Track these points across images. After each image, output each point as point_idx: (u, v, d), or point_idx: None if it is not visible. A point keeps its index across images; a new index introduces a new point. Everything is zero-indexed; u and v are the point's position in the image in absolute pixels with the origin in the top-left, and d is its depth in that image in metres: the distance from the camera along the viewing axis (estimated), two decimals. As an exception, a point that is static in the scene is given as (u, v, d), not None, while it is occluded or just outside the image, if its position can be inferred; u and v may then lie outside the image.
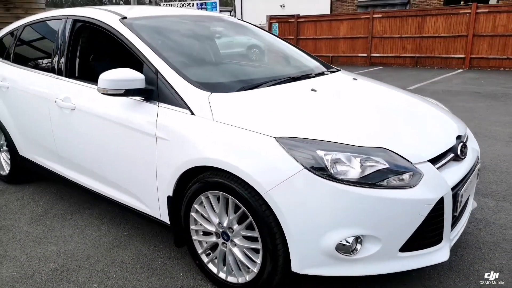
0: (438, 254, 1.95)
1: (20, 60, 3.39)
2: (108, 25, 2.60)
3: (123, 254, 2.56)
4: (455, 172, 2.01)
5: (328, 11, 24.49)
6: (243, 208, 1.93)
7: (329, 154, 1.77)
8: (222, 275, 2.16)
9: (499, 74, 11.24)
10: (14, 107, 3.30)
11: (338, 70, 3.05)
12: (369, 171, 1.78)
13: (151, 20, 2.79)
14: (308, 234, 1.79)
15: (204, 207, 2.12)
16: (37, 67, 3.17)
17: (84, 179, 2.87)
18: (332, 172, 1.75)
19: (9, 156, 3.61)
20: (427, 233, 1.89)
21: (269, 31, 15.94)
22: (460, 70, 12.29)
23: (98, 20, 2.68)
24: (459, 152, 2.08)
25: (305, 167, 1.76)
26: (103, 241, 2.72)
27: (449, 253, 1.97)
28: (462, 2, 20.43)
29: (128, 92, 2.22)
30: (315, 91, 2.33)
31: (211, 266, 2.20)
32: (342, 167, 1.77)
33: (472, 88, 8.79)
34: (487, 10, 12.17)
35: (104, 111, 2.48)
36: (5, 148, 3.66)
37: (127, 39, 2.47)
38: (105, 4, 51.65)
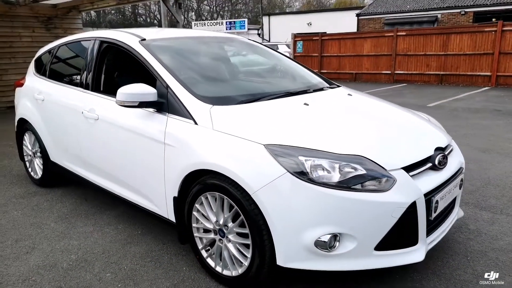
0: (413, 254, 2.12)
1: (54, 76, 3.82)
2: (128, 45, 2.95)
3: (135, 249, 2.85)
4: (431, 180, 2.19)
5: (354, 29, 24.68)
6: (236, 207, 2.17)
7: (309, 160, 2.00)
8: (218, 268, 2.39)
9: (526, 92, 11.06)
10: (47, 118, 3.71)
11: (339, 86, 3.28)
12: (346, 176, 1.99)
13: (167, 41, 3.13)
14: (290, 230, 2.01)
15: (204, 206, 2.38)
16: (68, 82, 3.57)
17: (104, 182, 3.20)
18: (312, 176, 1.97)
19: (42, 162, 4.01)
20: (402, 234, 2.07)
21: (293, 48, 16.30)
22: (486, 88, 12.15)
23: (121, 41, 3.04)
24: (436, 162, 2.26)
25: (288, 171, 1.99)
26: (119, 238, 3.02)
27: (424, 255, 2.14)
28: (493, 20, 20.21)
29: (142, 104, 2.54)
30: (308, 105, 2.57)
31: (209, 261, 2.45)
32: (322, 172, 1.99)
33: (493, 106, 8.73)
34: (513, 28, 12.05)
35: (122, 121, 2.81)
36: (38, 154, 4.06)
37: (144, 58, 2.80)
38: (141, 25, 53.82)
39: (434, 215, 2.18)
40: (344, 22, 26.25)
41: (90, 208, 3.60)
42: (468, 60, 12.96)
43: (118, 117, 2.85)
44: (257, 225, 2.08)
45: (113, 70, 3.36)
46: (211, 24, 33.24)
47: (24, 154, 4.32)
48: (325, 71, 16.11)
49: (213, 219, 2.34)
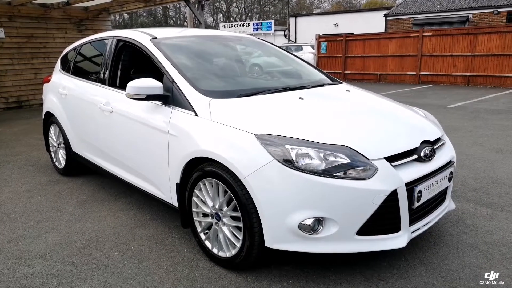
0: (395, 241, 2.22)
1: (76, 72, 4.12)
2: (141, 43, 3.18)
3: (143, 232, 3.07)
4: (415, 171, 2.28)
5: (382, 30, 24.40)
6: (229, 192, 2.34)
7: (295, 148, 2.15)
8: (215, 250, 2.57)
9: (557, 94, 10.69)
10: (70, 111, 4.00)
11: (341, 83, 3.39)
12: (330, 164, 2.12)
13: (177, 39, 3.34)
14: (276, 214, 2.16)
15: (202, 192, 2.56)
16: (87, 77, 3.85)
17: (118, 170, 3.44)
18: (297, 163, 2.12)
19: (65, 152, 4.32)
20: (383, 220, 2.18)
21: (318, 49, 16.32)
22: (514, 90, 11.82)
23: (134, 40, 3.28)
24: (422, 155, 2.35)
25: (275, 159, 2.14)
26: (129, 222, 3.25)
27: (406, 241, 2.23)
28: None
29: (149, 97, 2.76)
30: (302, 99, 2.71)
31: (207, 243, 2.63)
32: (308, 160, 2.13)
33: (518, 107, 8.53)
34: (545, 28, 11.66)
35: (132, 113, 3.04)
36: (62, 145, 4.38)
37: (154, 55, 3.02)
38: (170, 25, 54.98)
39: (417, 204, 2.27)
40: (371, 23, 25.98)
41: (106, 195, 3.87)
42: (496, 61, 12.64)
43: (129, 109, 3.08)
44: (247, 209, 2.24)
45: (127, 66, 3.60)
46: (238, 25, 33.61)
47: (50, 146, 4.65)
48: (349, 71, 16.07)
49: (210, 203, 2.52)
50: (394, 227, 2.22)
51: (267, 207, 2.17)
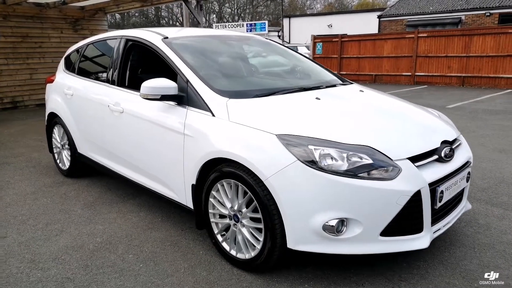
0: (418, 241, 2.22)
1: (82, 72, 4.06)
2: (152, 43, 3.14)
3: (155, 234, 3.03)
4: (436, 171, 2.28)
5: (375, 31, 24.54)
6: (249, 193, 2.32)
7: (318, 149, 2.13)
8: (233, 252, 2.54)
9: (551, 94, 10.84)
10: (75, 112, 3.94)
11: (352, 83, 3.39)
12: (354, 165, 2.11)
13: (187, 39, 3.30)
14: (300, 215, 2.14)
15: (220, 193, 2.53)
16: (95, 78, 3.80)
17: (127, 171, 3.39)
18: (321, 164, 2.10)
19: (69, 153, 4.26)
20: (407, 221, 2.17)
21: (313, 50, 16.36)
22: (508, 90, 11.96)
23: (144, 39, 3.24)
24: (442, 155, 2.35)
25: (298, 159, 2.13)
26: (140, 224, 3.21)
27: (429, 242, 2.23)
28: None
29: (164, 98, 2.72)
30: (319, 99, 2.70)
31: (224, 245, 2.60)
32: (330, 161, 2.12)
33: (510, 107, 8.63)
34: (538, 29, 11.82)
35: (145, 113, 3.00)
36: (67, 146, 4.31)
37: (166, 54, 2.98)
38: (163, 25, 54.77)
39: (439, 204, 2.27)
40: (365, 24, 26.11)
41: (114, 197, 3.81)
42: (491, 62, 12.77)
43: (141, 110, 3.04)
44: (269, 210, 2.22)
45: (137, 66, 3.56)
46: (231, 26, 33.52)
47: (53, 147, 4.58)
48: (344, 72, 16.12)
49: (228, 205, 2.49)
50: (417, 227, 2.22)
51: (290, 208, 2.15)
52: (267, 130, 2.28)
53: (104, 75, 3.64)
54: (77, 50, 4.26)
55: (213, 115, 2.56)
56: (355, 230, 2.13)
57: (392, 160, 2.15)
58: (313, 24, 29.18)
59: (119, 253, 2.77)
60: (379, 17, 24.73)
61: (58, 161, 4.52)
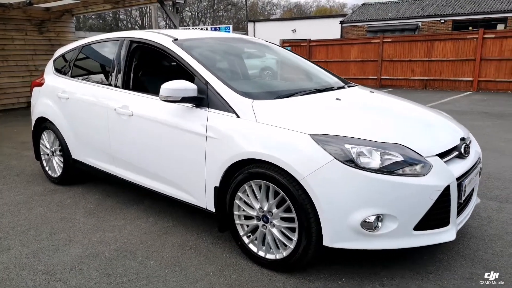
0: (446, 234, 2.32)
1: (79, 75, 3.90)
2: (163, 45, 3.08)
3: (171, 240, 2.96)
4: (459, 166, 2.40)
5: (338, 36, 25.23)
6: (282, 193, 2.33)
7: (354, 147, 2.19)
8: (261, 253, 2.54)
9: (507, 96, 11.62)
10: (72, 116, 3.78)
11: (356, 85, 3.49)
12: (387, 162, 2.18)
13: (197, 41, 3.27)
14: (338, 213, 2.18)
15: (247, 195, 2.52)
16: (95, 80, 3.67)
17: (134, 176, 3.30)
18: (357, 162, 2.16)
19: (62, 160, 4.07)
20: (436, 215, 2.27)
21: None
22: (468, 92, 12.69)
23: (154, 42, 3.17)
24: (462, 151, 2.48)
25: (335, 158, 2.17)
26: (152, 230, 3.13)
27: (455, 234, 2.34)
28: (470, 28, 21.10)
29: (183, 99, 2.68)
30: (339, 100, 2.77)
31: (251, 246, 2.59)
32: (365, 159, 2.18)
33: (480, 109, 9.17)
34: (493, 36, 12.65)
35: (160, 116, 2.93)
36: (58, 152, 4.12)
37: (180, 56, 2.94)
38: (121, 28, 53.42)
39: (463, 198, 2.39)
40: (328, 29, 26.79)
41: (115, 203, 3.69)
42: (451, 66, 13.51)
43: (154, 112, 2.98)
44: (304, 209, 2.24)
45: (145, 68, 3.48)
46: (199, 29, 33.32)
47: (41, 153, 4.36)
48: (313, 76, 16.43)
49: (257, 206, 2.49)
50: (444, 221, 2.32)
51: (328, 206, 2.18)
52: (299, 130, 2.31)
53: (106, 77, 3.52)
54: (69, 52, 4.09)
55: (238, 117, 2.55)
56: (391, 226, 2.19)
57: (422, 156, 2.24)
58: (278, 29, 29.57)
59: (139, 260, 2.68)
60: (341, 22, 25.46)
61: (47, 168, 4.31)
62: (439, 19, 22.53)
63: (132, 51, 3.36)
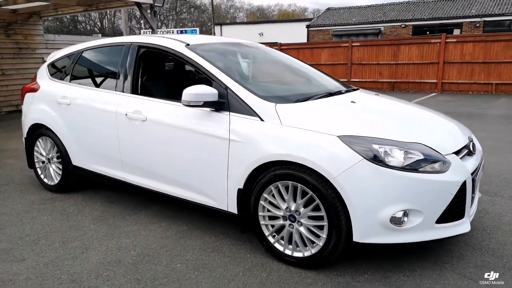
0: (463, 226, 2.50)
1: (81, 80, 3.83)
2: (176, 50, 3.11)
3: (191, 243, 2.99)
4: (470, 163, 2.60)
5: (305, 40, 25.73)
6: (311, 193, 2.43)
7: (382, 147, 2.32)
8: (288, 251, 2.62)
9: (469, 97, 12.35)
10: (74, 121, 3.70)
11: (358, 89, 3.65)
12: (410, 160, 2.33)
13: (209, 46, 3.32)
14: (368, 209, 2.30)
15: (273, 195, 2.60)
16: (100, 86, 3.61)
17: (147, 181, 3.29)
18: (385, 161, 2.30)
19: (60, 167, 3.97)
20: (454, 209, 2.44)
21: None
22: (433, 94, 13.36)
23: (167, 47, 3.18)
24: (471, 149, 2.68)
25: (364, 158, 2.29)
26: (168, 234, 3.13)
27: (469, 226, 2.53)
28: (428, 33, 22.20)
29: (205, 104, 2.73)
30: (354, 102, 2.91)
31: (277, 245, 2.67)
32: (391, 157, 2.32)
33: (447, 109, 9.70)
34: (455, 40, 13.41)
35: (178, 121, 2.95)
36: (55, 160, 4.01)
37: (197, 62, 2.98)
38: (80, 30, 51.72)
39: (476, 191, 2.59)
40: (294, 33, 27.26)
41: (122, 209, 3.65)
42: (416, 69, 14.17)
43: (172, 117, 2.99)
44: (335, 207, 2.36)
45: (156, 73, 3.48)
46: (161, 32, 32.86)
47: (35, 161, 4.22)
48: (285, 79, 16.70)
49: (283, 206, 2.58)
50: (460, 214, 2.50)
51: (359, 204, 2.30)
52: (326, 132, 2.42)
53: (112, 82, 3.48)
54: (67, 57, 3.99)
55: (262, 120, 2.63)
56: (416, 220, 2.34)
57: (442, 155, 2.41)
58: (245, 32, 29.73)
59: (165, 264, 2.70)
60: (307, 26, 25.98)
61: (42, 176, 4.18)
62: (400, 24, 23.46)
63: (140, 56, 3.35)
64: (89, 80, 3.80)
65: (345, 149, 2.33)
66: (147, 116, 3.13)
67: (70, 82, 3.86)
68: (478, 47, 13.01)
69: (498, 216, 3.34)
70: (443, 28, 21.65)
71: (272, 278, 2.50)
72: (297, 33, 26.92)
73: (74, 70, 3.89)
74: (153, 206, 3.68)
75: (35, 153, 4.20)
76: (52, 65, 4.12)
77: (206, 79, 2.94)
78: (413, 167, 2.31)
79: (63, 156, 3.88)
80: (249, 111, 2.68)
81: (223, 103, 2.78)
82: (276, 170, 2.54)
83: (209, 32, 40.83)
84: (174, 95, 3.06)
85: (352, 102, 2.92)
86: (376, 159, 2.29)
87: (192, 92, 2.69)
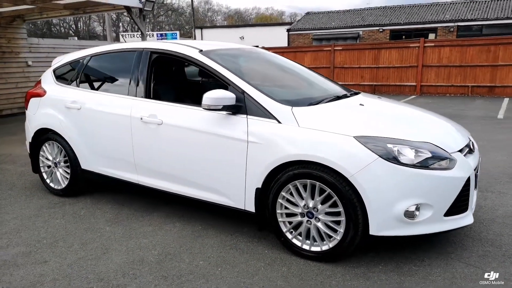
0: (467, 218, 2.72)
1: (91, 85, 3.89)
2: (190, 56, 3.23)
3: (208, 241, 3.10)
4: (472, 160, 2.83)
5: (285, 43, 26.06)
6: (329, 190, 2.60)
7: (395, 146, 2.52)
8: (305, 246, 2.78)
9: (447, 99, 12.86)
10: (84, 125, 3.76)
11: (360, 92, 3.85)
12: (421, 158, 2.53)
13: (221, 51, 3.45)
14: (384, 204, 2.49)
15: (291, 193, 2.76)
16: (111, 90, 3.68)
17: (161, 183, 3.38)
18: (399, 159, 2.49)
19: (68, 171, 4.01)
20: (459, 202, 2.66)
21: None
22: (413, 96, 13.83)
23: (180, 53, 3.30)
24: (472, 147, 2.91)
25: (379, 156, 2.48)
26: (184, 234, 3.24)
27: (473, 218, 2.75)
28: (403, 37, 22.91)
29: (224, 108, 2.86)
30: (363, 105, 3.10)
31: (295, 241, 2.82)
32: (404, 156, 2.51)
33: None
34: (433, 44, 13.93)
35: (194, 124, 3.07)
36: (63, 164, 4.05)
37: (211, 67, 3.11)
38: (54, 33, 50.65)
39: (477, 186, 2.81)
40: (275, 37, 27.60)
41: (134, 211, 3.73)
42: (396, 72, 14.63)
43: (188, 120, 3.11)
44: (352, 203, 2.53)
45: (170, 78, 3.57)
46: (139, 36, 32.61)
47: (41, 165, 4.24)
48: (268, 82, 16.91)
49: (301, 203, 2.73)
50: (464, 207, 2.72)
51: (375, 199, 2.49)
52: (342, 133, 2.59)
53: (124, 87, 3.55)
54: (75, 62, 4.04)
55: (279, 122, 2.78)
56: (427, 213, 2.54)
57: (448, 153, 2.63)
58: (225, 36, 29.88)
59: (188, 262, 2.81)
60: (288, 30, 26.34)
61: (48, 180, 4.20)
62: (378, 28, 24.11)
63: (153, 61, 3.45)
64: (100, 85, 3.87)
65: (361, 148, 2.51)
66: (163, 120, 3.23)
67: (79, 86, 3.92)
68: (455, 51, 13.57)
69: (491, 210, 3.59)
70: (419, 33, 22.38)
71: (292, 272, 2.65)
72: (277, 37, 27.26)
73: (84, 75, 3.95)
74: (164, 207, 3.77)
75: (40, 157, 4.22)
76: (57, 70, 4.15)
77: (220, 83, 3.07)
78: (423, 165, 2.51)
79: (71, 160, 3.93)
80: (267, 114, 2.83)
81: (240, 106, 2.92)
82: (294, 169, 2.70)
83: (189, 35, 40.75)
84: (189, 99, 3.19)
85: (360, 105, 3.11)
86: (391, 158, 2.48)
87: (212, 96, 2.82)
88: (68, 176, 4.03)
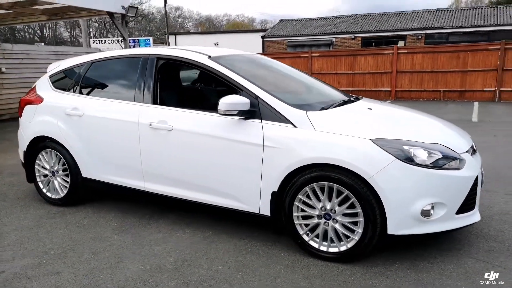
0: (474, 216, 2.86)
1: (93, 91, 3.81)
2: (200, 62, 3.24)
3: (222, 246, 3.10)
4: (477, 160, 2.98)
5: (260, 50, 26.27)
6: (346, 192, 2.67)
7: (411, 148, 2.62)
8: (323, 248, 2.83)
9: (421, 103, 13.33)
10: (86, 133, 3.68)
11: (361, 98, 3.97)
12: (432, 159, 2.65)
13: (229, 57, 3.48)
14: (402, 204, 2.58)
15: (307, 196, 2.81)
16: (115, 97, 3.62)
17: (169, 189, 3.36)
18: (415, 160, 2.59)
19: (66, 179, 3.91)
20: (468, 201, 2.79)
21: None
22: (388, 101, 14.25)
23: (189, 59, 3.30)
24: (475, 148, 3.07)
25: (396, 158, 2.58)
26: (196, 240, 3.23)
27: (479, 216, 2.89)
28: (373, 44, 23.63)
29: (239, 113, 2.89)
30: (371, 109, 3.21)
31: (312, 243, 2.87)
32: (418, 157, 2.62)
33: (408, 115, 10.43)
34: (406, 51, 14.43)
35: (207, 130, 3.08)
36: (61, 173, 3.94)
37: (222, 72, 3.13)
38: (19, 39, 49.01)
39: (483, 185, 2.96)
40: (249, 43, 27.75)
41: (139, 219, 3.67)
42: (372, 78, 15.05)
43: (201, 127, 3.11)
44: (370, 204, 2.61)
45: (178, 83, 3.56)
46: (112, 41, 32.02)
47: (37, 175, 4.11)
48: (247, 88, 16.99)
49: (319, 205, 2.79)
50: (472, 206, 2.85)
51: (393, 199, 2.57)
52: (359, 136, 2.68)
53: (129, 93, 3.51)
54: (74, 68, 3.95)
55: (295, 127, 2.84)
56: (440, 212, 2.65)
57: (458, 154, 2.76)
58: (200, 42, 29.82)
59: (206, 267, 2.80)
60: (262, 37, 26.59)
61: (45, 190, 4.08)
62: (350, 35, 24.73)
63: (160, 67, 3.44)
64: (103, 91, 3.80)
65: (378, 150, 2.60)
66: (173, 126, 3.22)
67: (80, 93, 3.84)
68: (427, 58, 14.11)
69: (487, 207, 3.77)
70: (389, 40, 23.15)
71: (313, 273, 2.70)
72: (252, 43, 27.43)
73: (84, 81, 3.87)
74: (169, 214, 3.74)
75: (36, 166, 4.09)
76: (54, 76, 4.05)
77: (231, 89, 3.10)
78: (436, 165, 2.63)
79: (71, 168, 3.83)
80: (282, 119, 2.88)
81: (254, 111, 2.95)
82: (311, 172, 2.76)
83: (162, 41, 40.37)
84: (197, 105, 3.19)
85: (369, 109, 3.22)
86: (407, 159, 2.58)
87: (227, 101, 2.84)
88: (67, 185, 3.92)
